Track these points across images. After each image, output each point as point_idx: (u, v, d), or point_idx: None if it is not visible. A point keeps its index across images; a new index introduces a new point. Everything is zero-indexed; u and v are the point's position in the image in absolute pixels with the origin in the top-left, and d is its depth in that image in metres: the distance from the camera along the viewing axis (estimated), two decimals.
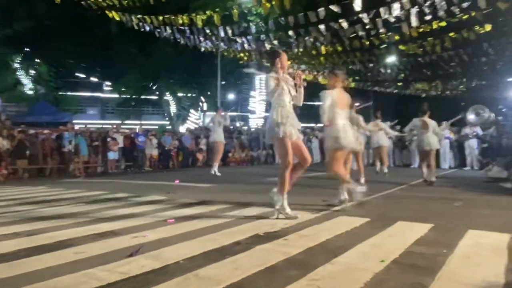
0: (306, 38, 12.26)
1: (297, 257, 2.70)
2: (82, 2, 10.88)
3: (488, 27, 10.55)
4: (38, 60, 25.30)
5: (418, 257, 2.70)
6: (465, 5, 8.96)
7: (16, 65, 24.67)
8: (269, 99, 4.30)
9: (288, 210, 4.13)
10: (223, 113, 10.89)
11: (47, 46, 24.11)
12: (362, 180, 8.47)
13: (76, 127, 14.38)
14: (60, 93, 26.79)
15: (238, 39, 13.82)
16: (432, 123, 8.78)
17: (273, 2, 10.67)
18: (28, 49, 25.04)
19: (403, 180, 8.98)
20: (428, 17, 9.97)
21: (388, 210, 4.91)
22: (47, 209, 4.84)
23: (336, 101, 4.92)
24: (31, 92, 25.10)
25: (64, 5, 11.75)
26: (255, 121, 26.22)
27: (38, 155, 11.35)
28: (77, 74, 29.91)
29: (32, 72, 25.20)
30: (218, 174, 10.16)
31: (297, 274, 2.32)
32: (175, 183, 6.17)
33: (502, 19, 10.35)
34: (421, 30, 10.87)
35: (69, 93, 27.85)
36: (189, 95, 29.18)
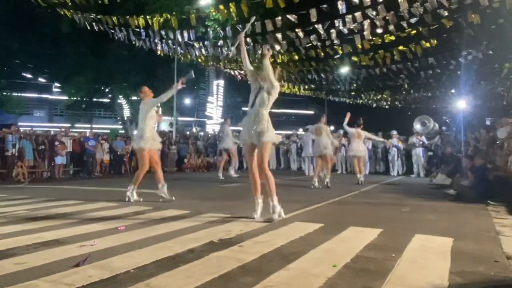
0: (263, 46, 12.39)
1: (252, 263, 2.69)
2: None
3: (434, 42, 11.21)
4: None
5: (368, 261, 2.78)
6: (413, 20, 9.46)
7: None
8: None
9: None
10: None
11: None
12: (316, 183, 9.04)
13: (21, 129, 13.55)
14: (5, 93, 25.25)
15: (196, 44, 13.73)
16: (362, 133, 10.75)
17: (231, 9, 10.72)
18: None
19: (354, 187, 9.27)
20: (379, 30, 10.43)
21: (340, 215, 5.04)
22: None
23: None
24: None
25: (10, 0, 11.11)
26: (212, 127, 26.06)
27: None
28: (24, 74, 28.31)
29: None
30: (235, 175, 11.64)
31: (251, 281, 2.31)
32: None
33: (445, 35, 11.02)
34: (372, 42, 11.34)
35: (14, 94, 26.31)
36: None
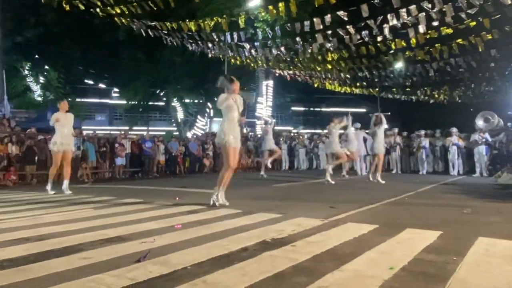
0: (313, 44, 12.29)
1: (305, 263, 2.68)
2: (91, 10, 11.02)
3: (495, 34, 10.51)
4: (47, 67, 25.61)
5: (427, 265, 2.67)
6: (472, 11, 8.93)
7: (26, 72, 24.99)
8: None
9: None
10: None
11: (56, 53, 24.42)
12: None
13: (84, 133, 14.47)
14: (69, 99, 27.07)
15: (245, 45, 13.91)
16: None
17: (280, 9, 10.73)
18: (37, 56, 25.36)
19: (411, 187, 8.90)
20: (435, 23, 9.95)
21: (396, 217, 4.87)
22: (55, 215, 4.87)
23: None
24: (40, 99, 25.40)
25: (73, 12, 11.91)
26: (262, 127, 26.22)
27: (47, 161, 11.44)
28: (85, 80, 30.21)
29: (42, 78, 25.51)
30: (265, 176, 11.79)
31: (305, 281, 2.30)
32: (176, 199, 6.18)
33: (509, 27, 10.29)
34: (428, 36, 10.85)
35: (77, 100, 28.12)
36: (196, 101, 29.32)
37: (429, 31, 10.54)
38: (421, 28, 9.88)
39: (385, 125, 10.67)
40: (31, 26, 23.12)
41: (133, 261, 2.69)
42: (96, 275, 2.38)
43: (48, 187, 7.69)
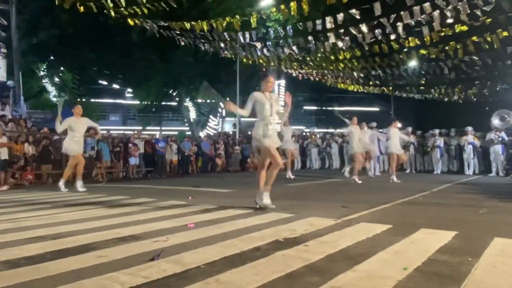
0: (326, 43, 12.23)
1: (318, 263, 2.68)
2: (105, 11, 11.14)
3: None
4: (63, 68, 26.00)
5: (442, 265, 2.64)
6: (488, 8, 8.78)
7: (42, 73, 25.41)
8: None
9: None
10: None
11: (71, 54, 24.78)
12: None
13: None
14: (84, 100, 27.45)
15: (257, 45, 13.90)
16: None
17: (292, 8, 10.69)
18: (53, 58, 25.76)
19: (425, 186, 8.80)
20: (450, 21, 9.81)
21: (410, 217, 4.82)
22: (71, 213, 4.95)
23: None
24: (55, 99, 25.78)
25: (87, 14, 12.05)
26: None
27: (62, 161, 11.62)
28: (100, 81, 30.59)
29: (57, 79, 25.91)
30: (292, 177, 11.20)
31: (318, 280, 2.30)
32: (189, 199, 6.23)
33: None
34: (442, 34, 10.69)
35: (92, 100, 28.50)
36: (208, 101, 29.45)
37: (444, 29, 10.39)
38: (435, 26, 9.75)
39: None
40: (46, 28, 23.51)
41: (147, 259, 2.72)
42: (111, 273, 2.41)
43: (61, 183, 8.04)
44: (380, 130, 13.41)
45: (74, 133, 7.98)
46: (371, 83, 20.08)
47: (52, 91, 26.05)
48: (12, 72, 16.78)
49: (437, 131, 15.46)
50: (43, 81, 25.66)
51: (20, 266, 2.59)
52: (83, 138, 8.31)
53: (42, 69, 25.41)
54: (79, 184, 8.06)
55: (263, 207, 5.16)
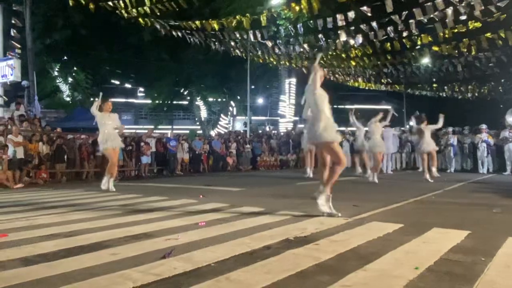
0: (337, 41, 12.16)
1: (328, 262, 2.67)
2: (117, 11, 11.25)
3: None
4: (76, 68, 26.32)
5: (454, 265, 2.61)
6: (502, 4, 8.63)
7: (55, 73, 25.75)
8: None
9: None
10: None
11: (84, 54, 25.07)
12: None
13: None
14: (96, 99, 27.69)
15: (268, 43, 13.89)
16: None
17: (302, 6, 10.66)
18: (66, 58, 26.08)
19: (438, 185, 8.69)
20: (463, 17, 9.68)
21: (422, 216, 4.78)
22: (84, 211, 5.01)
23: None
24: (68, 99, 26.14)
25: (99, 14, 12.19)
26: (285, 125, 26.18)
27: (76, 160, 11.79)
28: (112, 80, 30.88)
29: (70, 79, 26.24)
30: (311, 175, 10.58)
31: (328, 279, 2.29)
32: (199, 197, 6.26)
33: None
34: (455, 30, 10.55)
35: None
36: (219, 100, 29.54)
37: (457, 26, 10.25)
38: (449, 23, 9.62)
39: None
40: (60, 28, 23.82)
41: (158, 257, 2.75)
42: (123, 270, 2.44)
43: (104, 180, 7.68)
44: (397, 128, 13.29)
45: (103, 127, 7.82)
46: (383, 81, 19.92)
47: (65, 90, 26.40)
48: (27, 72, 17.03)
49: (450, 129, 15.27)
50: (57, 81, 26.02)
51: (34, 264, 2.64)
52: (114, 132, 7.92)
53: (56, 69, 25.76)
54: (111, 184, 7.71)
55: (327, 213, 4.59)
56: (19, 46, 16.16)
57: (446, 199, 6.51)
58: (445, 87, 21.07)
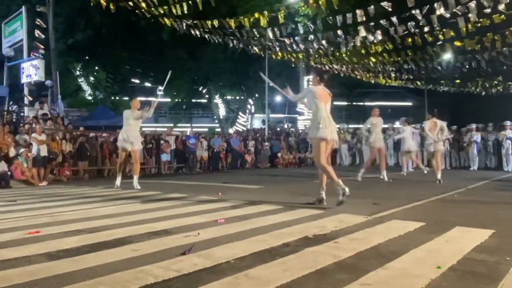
0: (356, 37, 12.02)
1: (348, 260, 2.65)
2: (136, 11, 11.40)
3: None
4: (97, 67, 26.81)
5: (478, 265, 2.55)
6: None
7: (77, 72, 26.30)
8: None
9: None
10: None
11: (105, 54, 25.51)
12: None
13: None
14: (117, 98, 28.19)
15: (286, 40, 13.84)
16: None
17: (320, 2, 10.57)
18: (87, 58, 26.59)
19: (460, 183, 8.51)
20: (487, 11, 9.41)
21: (444, 214, 4.69)
22: (106, 208, 5.12)
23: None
24: (90, 98, 26.65)
25: (120, 14, 12.35)
26: (303, 123, 26.05)
27: (98, 157, 12.04)
28: (132, 79, 31.33)
29: (92, 78, 26.75)
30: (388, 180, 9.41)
31: (348, 278, 2.28)
32: (219, 195, 6.30)
33: None
34: (479, 25, 10.28)
35: (125, 98, 29.25)
36: (237, 98, 29.61)
37: (480, 20, 9.97)
38: (472, 17, 9.37)
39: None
40: (81, 29, 24.29)
41: (179, 253, 2.78)
42: (144, 266, 2.48)
43: (117, 181, 7.96)
44: (413, 126, 13.06)
45: (126, 126, 7.91)
46: (403, 77, 19.58)
47: (87, 90, 26.94)
48: (50, 72, 17.45)
49: (473, 125, 14.92)
50: (79, 80, 26.57)
51: (59, 259, 2.71)
52: (135, 133, 7.97)
53: (78, 68, 26.30)
54: (135, 181, 7.88)
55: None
56: (42, 46, 16.55)
57: (469, 197, 6.37)
58: (468, 83, 20.56)
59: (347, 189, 4.87)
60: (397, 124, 11.90)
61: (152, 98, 8.57)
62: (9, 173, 9.25)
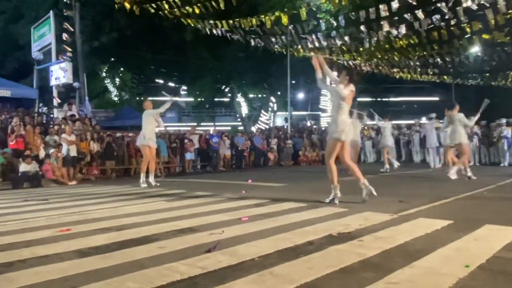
0: (380, 32, 11.82)
1: (373, 259, 2.63)
2: (160, 12, 11.57)
3: None
4: (122, 69, 27.35)
5: (508, 263, 2.48)
6: None
7: (104, 74, 26.91)
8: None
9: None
10: None
11: (129, 55, 25.99)
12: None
13: (157, 130, 15.28)
14: (142, 98, 28.65)
15: (308, 37, 13.75)
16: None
17: None
18: (113, 59, 27.16)
19: (490, 180, 8.25)
20: None
21: (473, 212, 4.57)
22: (133, 206, 5.24)
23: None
24: (116, 98, 27.22)
25: (143, 16, 12.56)
26: (326, 120, 25.83)
27: (124, 157, 12.30)
28: (156, 80, 31.81)
29: (117, 80, 27.32)
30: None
31: (373, 276, 2.26)
32: (248, 183, 6.33)
33: None
34: (508, 16, 9.92)
35: (150, 98, 29.68)
36: (259, 96, 29.63)
37: (510, 11, 9.63)
38: (500, 8, 9.06)
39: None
40: (107, 31, 24.82)
41: (204, 251, 2.83)
42: (170, 263, 2.54)
43: (141, 180, 8.20)
44: (441, 121, 12.72)
45: (144, 125, 8.35)
46: (429, 71, 19.12)
47: (113, 91, 27.54)
48: (77, 74, 17.92)
49: (504, 120, 14.42)
50: (105, 81, 27.19)
51: (89, 256, 2.80)
52: (147, 131, 8.26)
53: (104, 70, 26.92)
54: (151, 179, 8.23)
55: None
56: (70, 49, 17.00)
57: (500, 194, 6.18)
58: (498, 77, 19.88)
59: (373, 190, 5.00)
60: (423, 120, 11.67)
61: (168, 98, 8.77)
62: (40, 173, 9.58)
